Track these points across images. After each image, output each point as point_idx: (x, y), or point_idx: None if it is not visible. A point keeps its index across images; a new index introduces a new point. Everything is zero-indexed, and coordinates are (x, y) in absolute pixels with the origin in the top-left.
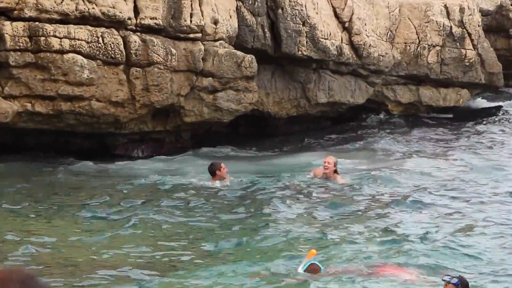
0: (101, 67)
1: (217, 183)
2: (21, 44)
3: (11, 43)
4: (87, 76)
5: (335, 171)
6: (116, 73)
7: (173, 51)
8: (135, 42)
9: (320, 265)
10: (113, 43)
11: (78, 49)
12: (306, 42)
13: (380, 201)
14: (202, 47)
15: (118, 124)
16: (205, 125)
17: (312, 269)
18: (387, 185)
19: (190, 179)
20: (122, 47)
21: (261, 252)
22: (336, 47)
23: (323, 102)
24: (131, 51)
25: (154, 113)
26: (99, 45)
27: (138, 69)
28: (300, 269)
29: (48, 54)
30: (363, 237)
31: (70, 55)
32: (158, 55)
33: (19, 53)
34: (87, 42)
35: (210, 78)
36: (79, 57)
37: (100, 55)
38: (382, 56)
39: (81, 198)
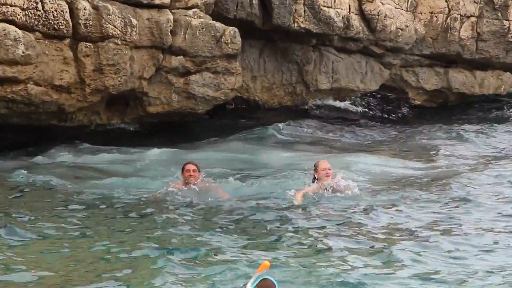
0: (40, 41)
1: (180, 189)
2: None
3: None
4: (23, 52)
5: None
6: (60, 49)
7: (134, 21)
8: (84, 9)
9: (274, 281)
10: (56, 10)
11: (10, 17)
12: (304, 11)
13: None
14: (171, 17)
15: (62, 115)
16: (175, 116)
17: (264, 286)
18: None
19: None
20: (67, 15)
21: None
22: (343, 17)
23: (326, 88)
24: (80, 21)
25: (109, 101)
26: (38, 12)
27: (88, 44)
28: (249, 286)
29: None
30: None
31: (1, 25)
32: (114, 26)
33: None
34: (23, 9)
35: (181, 56)
36: (12, 27)
37: (40, 26)
38: (401, 29)
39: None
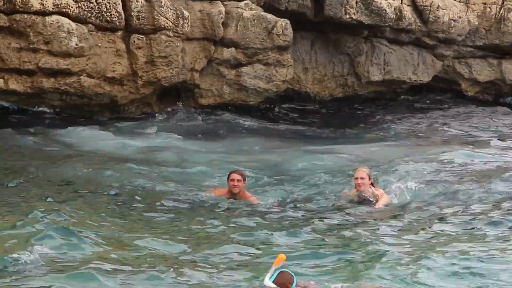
0: (93, 33)
1: (224, 198)
2: None
3: None
4: (76, 44)
5: (372, 184)
6: (113, 41)
7: (186, 13)
8: (137, 1)
9: (292, 274)
10: (108, 2)
11: (64, 9)
12: (356, 2)
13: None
14: (223, 9)
15: (115, 107)
16: (226, 108)
17: (283, 279)
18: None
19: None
20: (120, 7)
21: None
22: (395, 9)
23: (377, 80)
24: (132, 13)
25: (161, 93)
26: (91, 4)
27: (140, 36)
28: (268, 280)
29: (25, 16)
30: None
31: (54, 17)
32: (167, 18)
33: None
34: (76, 1)
35: (233, 48)
36: (65, 20)
37: (93, 18)
38: (454, 20)
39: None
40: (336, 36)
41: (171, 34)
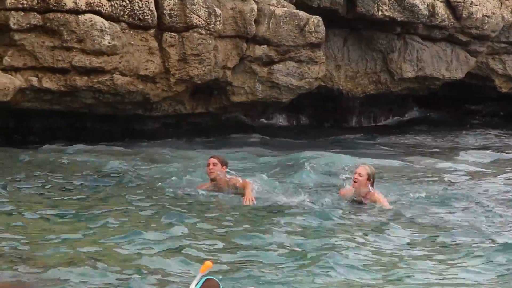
0: (126, 31)
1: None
2: (25, 2)
3: (12, 0)
4: (109, 43)
5: (371, 185)
6: (146, 39)
7: (218, 11)
8: None
9: (218, 281)
10: (141, 0)
11: (97, 8)
12: None
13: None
14: (255, 6)
15: (147, 105)
16: (258, 106)
17: (209, 286)
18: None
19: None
20: (152, 5)
21: None
22: (427, 5)
23: (410, 76)
24: (164, 11)
25: (193, 91)
26: (124, 3)
27: (173, 34)
28: (193, 287)
29: (59, 14)
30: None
31: (87, 16)
32: (199, 16)
33: (22, 13)
34: (109, 0)
35: (265, 46)
36: (98, 18)
37: (125, 16)
38: (488, 17)
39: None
40: (369, 32)
41: (203, 31)
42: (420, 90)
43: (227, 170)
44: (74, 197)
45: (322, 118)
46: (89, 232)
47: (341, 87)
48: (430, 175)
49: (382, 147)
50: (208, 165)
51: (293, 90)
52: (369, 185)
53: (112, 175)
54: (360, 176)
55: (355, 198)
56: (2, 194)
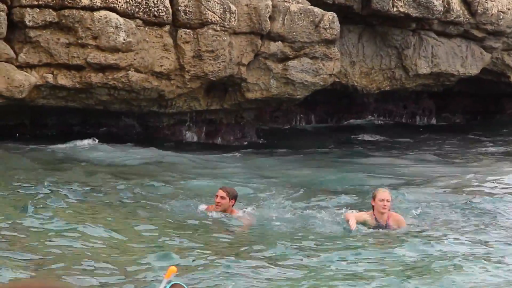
0: (141, 28)
1: (213, 213)
2: None
3: None
4: (124, 39)
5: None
6: (160, 35)
7: (233, 7)
8: None
9: (184, 286)
10: None
11: (112, 5)
12: None
13: None
14: (270, 3)
15: (162, 101)
16: (273, 102)
17: None
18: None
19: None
20: (167, 2)
21: None
22: (442, 1)
23: (425, 72)
24: (179, 8)
25: (208, 88)
26: (139, 0)
27: (188, 31)
28: None
29: (74, 11)
30: None
31: (102, 12)
32: (214, 12)
33: (37, 10)
34: None
35: (280, 42)
36: (113, 15)
37: (140, 13)
38: (503, 12)
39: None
40: (384, 29)
41: (218, 28)
42: (435, 86)
43: (236, 202)
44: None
45: (336, 114)
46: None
47: (355, 83)
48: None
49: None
50: (216, 197)
51: (307, 87)
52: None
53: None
54: (388, 201)
55: (377, 223)
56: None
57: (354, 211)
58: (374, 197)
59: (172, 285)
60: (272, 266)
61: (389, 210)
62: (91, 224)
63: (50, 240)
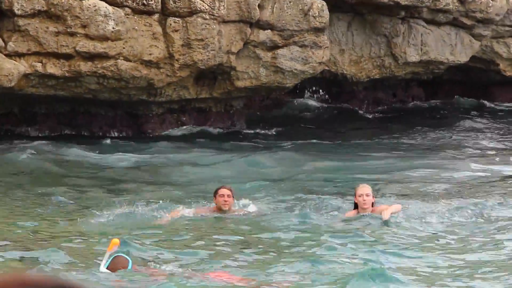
0: (130, 16)
1: (213, 214)
2: None
3: None
4: (113, 28)
5: (372, 203)
6: (150, 24)
7: None
8: None
9: (127, 257)
10: None
11: None
12: None
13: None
14: None
15: (152, 90)
16: (262, 90)
17: (117, 264)
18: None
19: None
20: None
21: None
22: None
23: (415, 60)
24: None
25: (197, 76)
26: None
27: (177, 19)
28: (102, 267)
29: (63, 0)
30: None
31: (91, 1)
32: (203, 1)
33: None
34: None
35: (269, 30)
36: (102, 3)
37: (129, 1)
38: (492, 0)
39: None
40: (373, 17)
41: (207, 16)
42: (424, 74)
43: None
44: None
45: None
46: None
47: (345, 72)
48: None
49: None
50: (222, 196)
51: (297, 75)
52: (373, 202)
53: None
54: (367, 196)
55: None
56: None
57: (338, 213)
58: (355, 194)
59: (114, 257)
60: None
61: (372, 205)
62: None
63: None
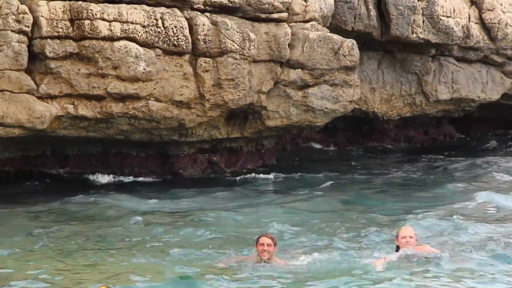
0: (161, 57)
1: (250, 263)
2: (61, 30)
3: (48, 29)
4: (144, 69)
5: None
6: (180, 65)
7: (252, 36)
8: (203, 25)
9: None
10: (175, 26)
11: (132, 35)
12: (423, 21)
13: None
14: (289, 30)
15: (183, 130)
16: (293, 129)
17: None
18: None
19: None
20: (187, 31)
21: None
22: (462, 27)
23: (446, 98)
24: (199, 37)
25: (228, 116)
26: (159, 29)
27: (207, 59)
28: None
29: (94, 42)
30: None
31: (122, 42)
32: (233, 41)
33: (58, 41)
34: (143, 26)
35: (299, 69)
36: (133, 45)
37: (160, 42)
38: None
39: None
40: (403, 55)
41: (237, 56)
42: (455, 112)
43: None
44: None
45: (356, 141)
46: None
47: (376, 110)
48: None
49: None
50: (262, 245)
51: (328, 114)
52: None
53: None
54: (411, 237)
55: (409, 257)
56: None
57: (381, 254)
58: (397, 236)
59: None
60: None
61: (415, 245)
62: None
63: None
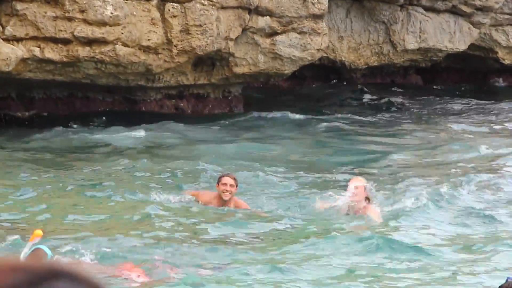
0: (128, 2)
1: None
2: None
3: None
4: (111, 13)
5: (367, 199)
6: (148, 9)
7: None
8: None
9: (46, 250)
10: None
11: None
12: None
13: None
14: None
15: (150, 75)
16: (261, 77)
17: (35, 256)
18: None
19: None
20: None
21: None
22: None
23: (413, 48)
24: None
25: (195, 62)
26: None
27: (175, 5)
28: (23, 257)
29: None
30: None
31: None
32: None
33: None
34: None
35: (268, 17)
36: None
37: None
38: None
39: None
40: (372, 4)
41: (206, 2)
42: (422, 61)
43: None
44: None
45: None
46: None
47: (343, 59)
48: None
49: None
50: (225, 185)
51: (295, 62)
52: (366, 200)
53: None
54: (357, 188)
55: (348, 214)
56: None
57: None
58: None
59: (34, 249)
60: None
61: (366, 201)
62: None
63: None
